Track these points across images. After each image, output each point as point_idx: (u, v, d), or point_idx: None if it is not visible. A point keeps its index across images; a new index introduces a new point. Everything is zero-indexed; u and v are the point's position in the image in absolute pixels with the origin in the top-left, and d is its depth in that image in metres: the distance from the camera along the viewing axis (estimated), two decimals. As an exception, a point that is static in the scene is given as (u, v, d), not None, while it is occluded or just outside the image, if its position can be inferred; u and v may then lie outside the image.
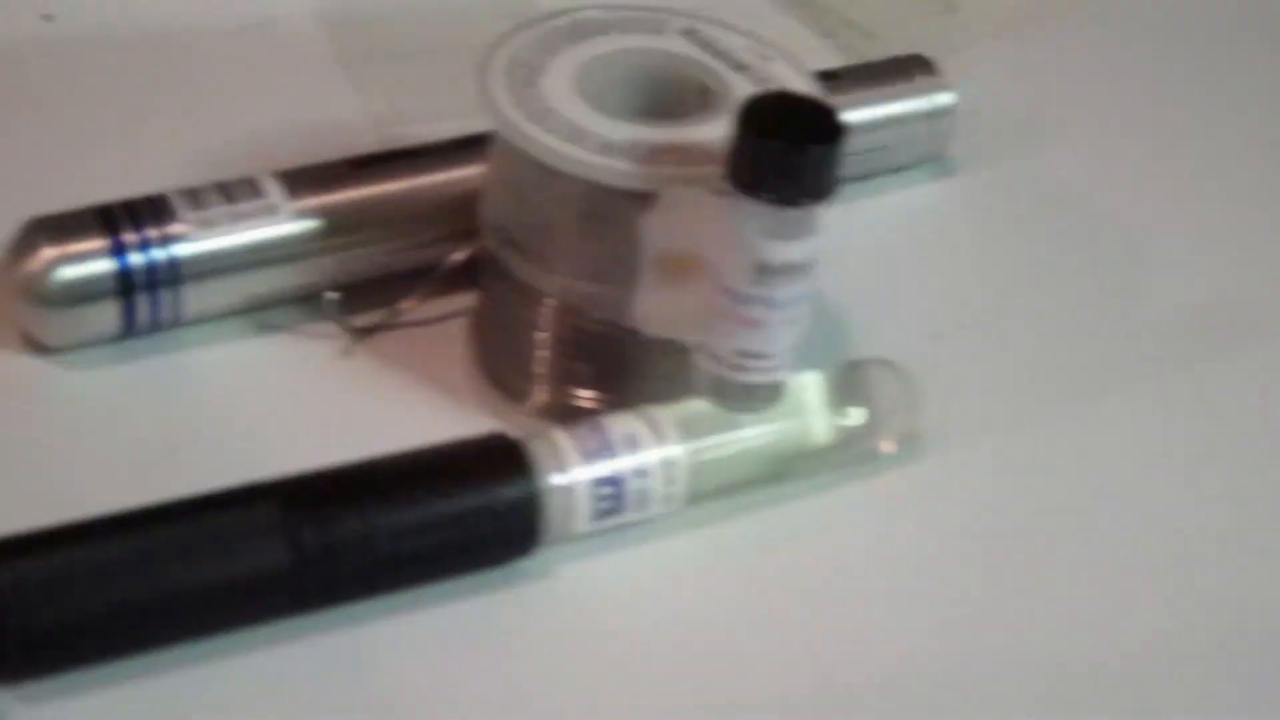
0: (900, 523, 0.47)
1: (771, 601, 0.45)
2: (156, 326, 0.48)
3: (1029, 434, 0.50)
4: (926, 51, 0.58)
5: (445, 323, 0.50)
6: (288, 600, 0.42)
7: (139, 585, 0.40)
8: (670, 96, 0.47)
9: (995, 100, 0.61)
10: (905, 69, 0.58)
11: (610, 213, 0.44)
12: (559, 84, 0.46)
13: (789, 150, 0.42)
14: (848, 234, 0.55)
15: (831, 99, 0.46)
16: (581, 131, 0.44)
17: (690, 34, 0.48)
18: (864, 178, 0.57)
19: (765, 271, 0.43)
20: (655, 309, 0.45)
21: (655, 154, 0.44)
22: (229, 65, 0.59)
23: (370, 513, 0.42)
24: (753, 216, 0.42)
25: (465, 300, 0.50)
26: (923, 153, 0.58)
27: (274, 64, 0.59)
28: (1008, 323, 0.54)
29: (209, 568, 0.41)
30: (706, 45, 0.48)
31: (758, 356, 0.44)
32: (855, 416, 0.47)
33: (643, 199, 0.44)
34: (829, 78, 0.56)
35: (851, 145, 0.55)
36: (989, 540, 0.47)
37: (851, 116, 0.56)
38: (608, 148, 0.44)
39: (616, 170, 0.44)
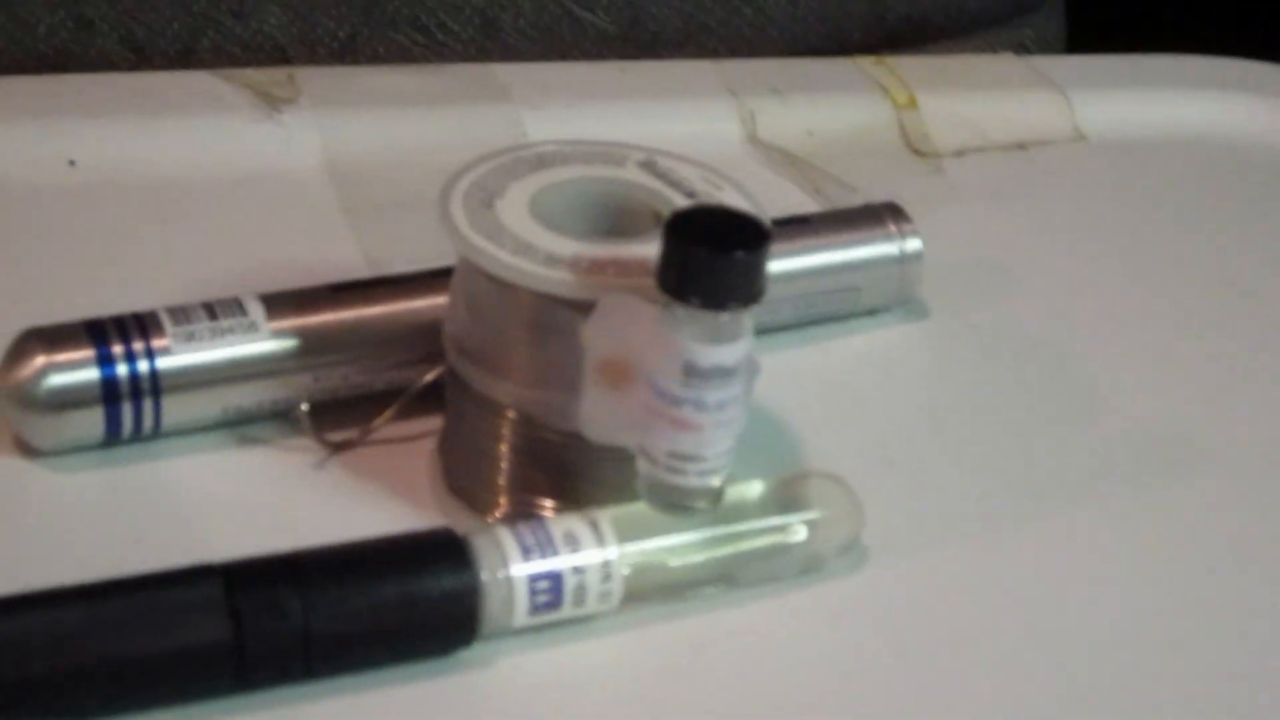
0: (840, 631, 0.49)
1: (704, 702, 0.46)
2: (139, 434, 0.51)
3: (974, 550, 0.51)
4: (910, 207, 0.60)
5: (416, 441, 0.52)
6: (229, 677, 0.43)
7: (82, 652, 0.42)
8: (623, 221, 0.50)
9: (970, 253, 0.64)
10: (877, 215, 0.60)
11: (554, 322, 0.47)
12: (514, 206, 0.49)
13: (714, 256, 0.44)
14: (816, 368, 0.57)
15: (768, 218, 0.48)
16: (528, 246, 0.47)
17: (647, 165, 0.51)
18: (838, 318, 0.59)
19: (695, 374, 0.45)
20: (598, 415, 0.47)
21: (595, 266, 0.47)
22: (236, 209, 0.62)
23: (313, 594, 0.44)
24: (682, 321, 0.45)
25: (435, 421, 0.52)
26: (894, 295, 0.60)
27: (279, 209, 0.62)
28: (961, 450, 0.55)
29: (152, 639, 0.43)
30: (661, 175, 0.51)
31: (691, 459, 0.46)
32: (796, 524, 0.49)
33: (584, 308, 0.46)
34: (804, 222, 0.59)
35: (824, 286, 0.59)
36: (928, 650, 0.48)
37: (825, 259, 0.59)
38: (552, 261, 0.47)
39: (557, 280, 0.46)
